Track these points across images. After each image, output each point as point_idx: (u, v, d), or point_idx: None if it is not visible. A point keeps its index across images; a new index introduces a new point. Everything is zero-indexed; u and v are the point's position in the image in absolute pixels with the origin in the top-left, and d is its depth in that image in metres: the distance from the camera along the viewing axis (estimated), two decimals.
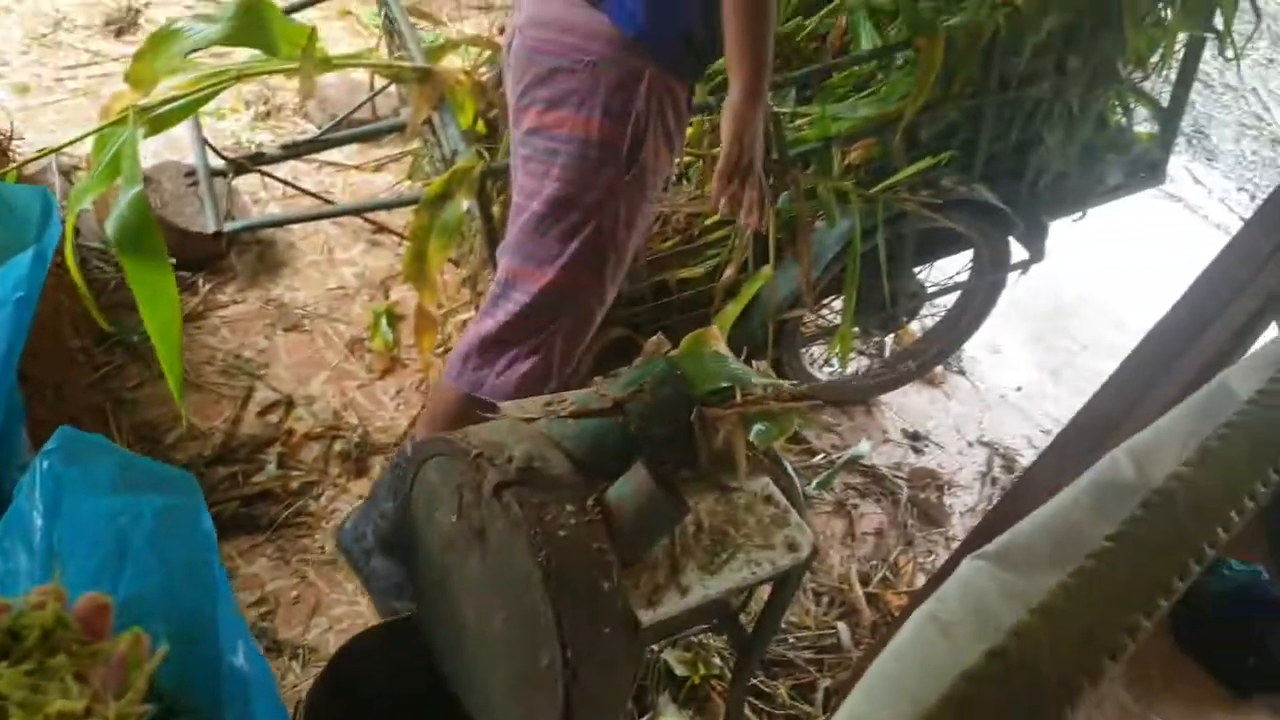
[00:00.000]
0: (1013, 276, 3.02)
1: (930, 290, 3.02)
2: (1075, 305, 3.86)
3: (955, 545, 2.66)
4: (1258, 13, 2.85)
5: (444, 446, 1.56)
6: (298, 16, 3.13)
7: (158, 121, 1.98)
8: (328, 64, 2.20)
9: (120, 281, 2.79)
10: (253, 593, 2.30)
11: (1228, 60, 2.88)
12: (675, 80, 1.86)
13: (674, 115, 1.89)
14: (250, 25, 2.11)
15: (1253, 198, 4.78)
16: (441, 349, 2.92)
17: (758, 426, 1.61)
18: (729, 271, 2.53)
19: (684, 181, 2.66)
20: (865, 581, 2.66)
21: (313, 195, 3.01)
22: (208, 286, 2.94)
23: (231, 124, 3.52)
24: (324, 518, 2.47)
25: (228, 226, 2.26)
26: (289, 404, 2.71)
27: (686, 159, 2.62)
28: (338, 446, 2.63)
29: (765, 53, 1.75)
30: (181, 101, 2.02)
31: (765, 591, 1.70)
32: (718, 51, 1.84)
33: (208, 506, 1.25)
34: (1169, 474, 0.60)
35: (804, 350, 2.97)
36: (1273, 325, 1.77)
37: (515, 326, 1.97)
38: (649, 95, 1.82)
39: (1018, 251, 2.95)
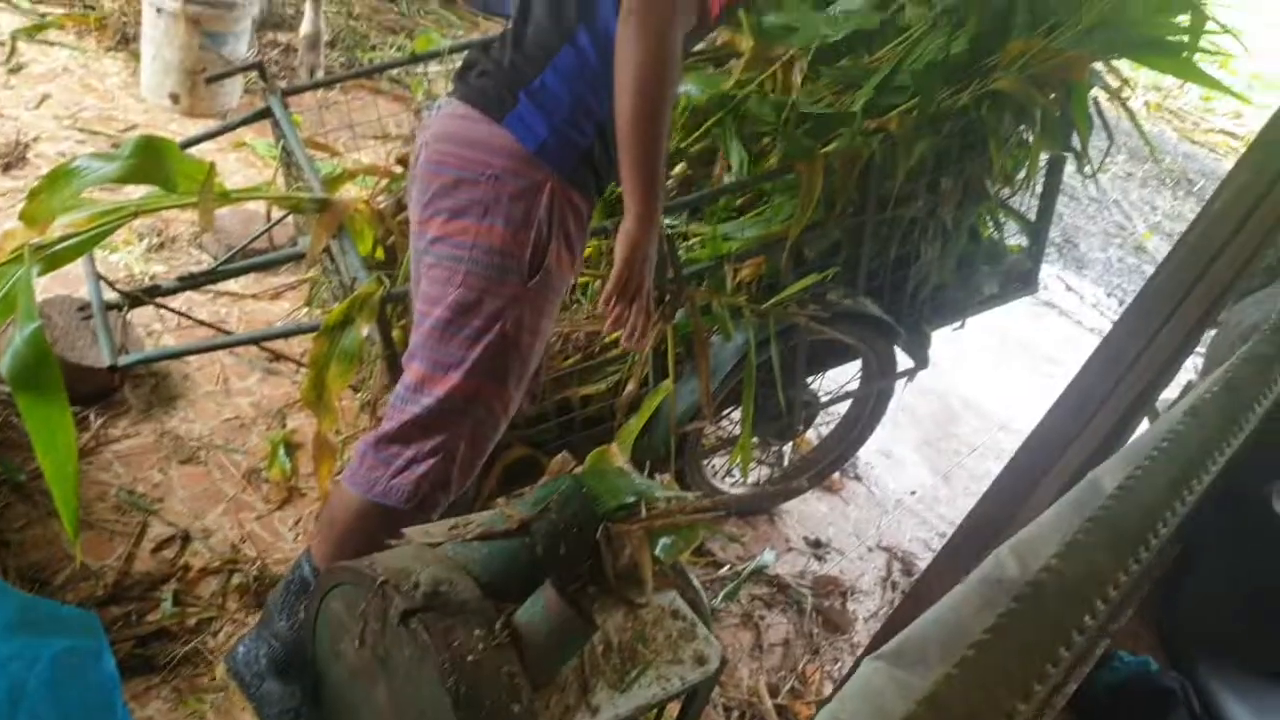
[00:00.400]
0: (900, 384, 3.13)
1: (823, 399, 3.11)
2: (961, 410, 4.00)
3: (860, 651, 2.70)
4: (1109, 134, 3.06)
5: (348, 575, 1.55)
6: (193, 150, 3.16)
7: (54, 259, 1.97)
8: (226, 198, 2.22)
9: (4, 420, 2.73)
10: None
11: (1086, 176, 3.08)
12: (576, 192, 1.91)
13: (575, 224, 1.94)
14: (148, 162, 2.13)
15: (1121, 302, 5.04)
16: (340, 474, 2.90)
17: (663, 541, 1.64)
18: (630, 387, 2.58)
19: (581, 301, 2.72)
20: (774, 693, 2.67)
21: (209, 325, 2.99)
22: (100, 421, 2.88)
23: (124, 256, 3.49)
24: (223, 654, 2.40)
25: (122, 361, 2.23)
26: (185, 538, 2.65)
27: (584, 279, 2.69)
28: (236, 580, 2.57)
29: (657, 180, 1.81)
30: (78, 239, 2.02)
31: (675, 708, 1.71)
32: (615, 175, 1.91)
33: (110, 650, 1.23)
34: (1039, 567, 0.65)
35: (706, 461, 3.02)
36: (1145, 421, 1.87)
37: (418, 426, 1.95)
38: (550, 204, 1.87)
39: (904, 360, 3.07)
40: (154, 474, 2.81)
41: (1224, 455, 0.81)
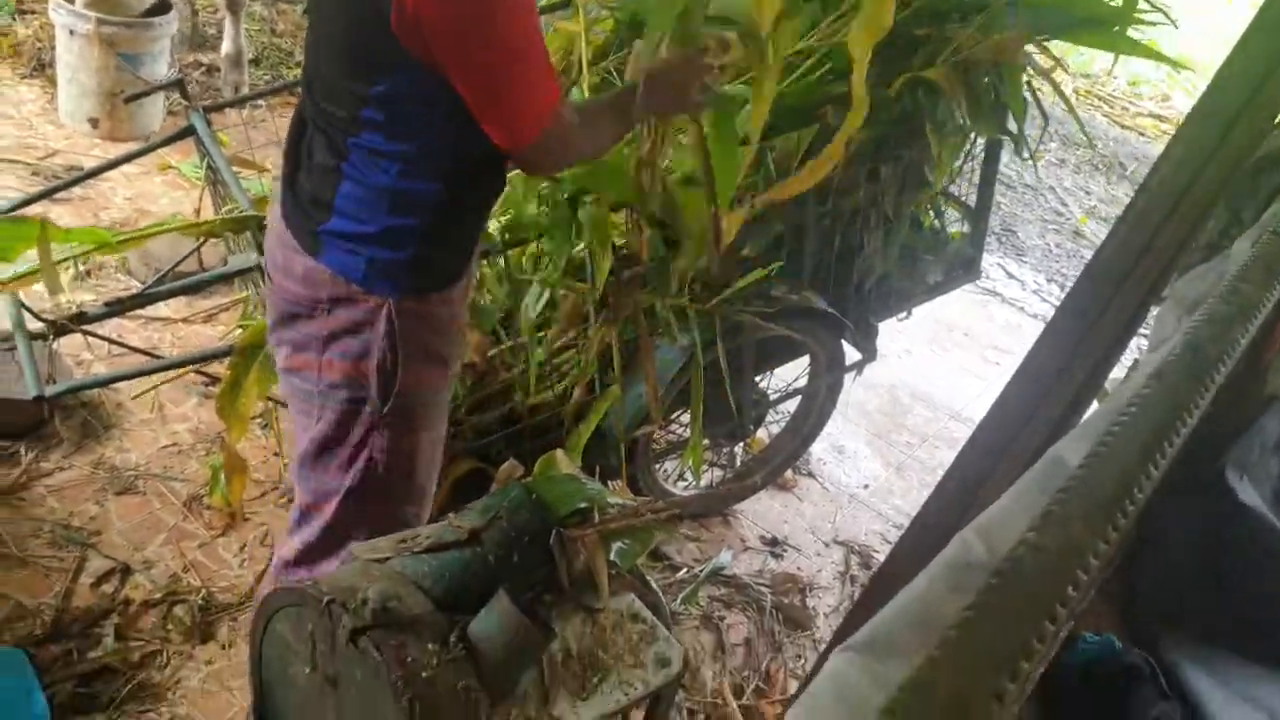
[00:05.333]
0: (849, 378, 3.12)
1: (773, 397, 3.09)
2: (910, 401, 4.00)
3: (823, 646, 2.67)
4: (1044, 115, 3.07)
5: (292, 597, 1.50)
6: (114, 173, 3.06)
7: None
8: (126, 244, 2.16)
9: None
10: None
11: (1024, 161, 3.09)
12: (420, 299, 1.78)
13: (433, 329, 1.82)
14: None
15: (1062, 287, 5.08)
16: (285, 499, 2.82)
17: (618, 544, 1.60)
18: (577, 393, 2.54)
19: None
20: (739, 694, 2.64)
21: (140, 351, 2.89)
22: (30, 455, 2.78)
23: None
24: (169, 688, 2.32)
25: (49, 391, 2.15)
26: (125, 571, 2.56)
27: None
28: (179, 611, 2.49)
29: (621, 125, 1.84)
30: None
31: (640, 715, 1.67)
32: (468, 251, 1.86)
33: (40, 689, 1.16)
34: (1016, 541, 0.62)
35: (657, 466, 2.99)
36: (1095, 402, 1.86)
37: (315, 549, 1.94)
38: (390, 328, 1.75)
39: (851, 353, 3.05)
40: (90, 506, 2.72)
41: (1193, 416, 0.79)
